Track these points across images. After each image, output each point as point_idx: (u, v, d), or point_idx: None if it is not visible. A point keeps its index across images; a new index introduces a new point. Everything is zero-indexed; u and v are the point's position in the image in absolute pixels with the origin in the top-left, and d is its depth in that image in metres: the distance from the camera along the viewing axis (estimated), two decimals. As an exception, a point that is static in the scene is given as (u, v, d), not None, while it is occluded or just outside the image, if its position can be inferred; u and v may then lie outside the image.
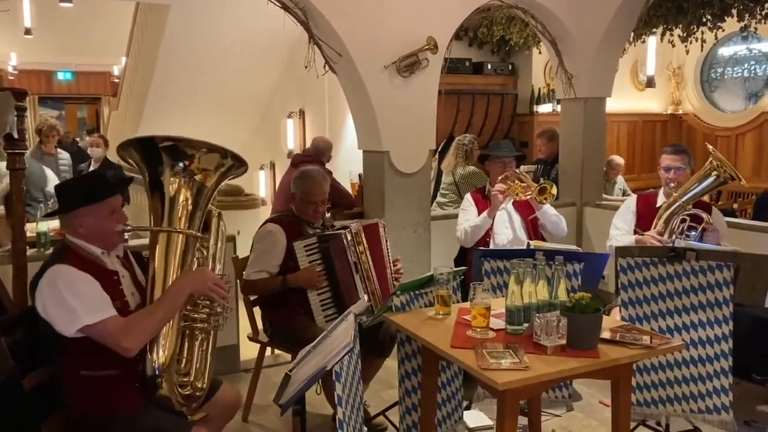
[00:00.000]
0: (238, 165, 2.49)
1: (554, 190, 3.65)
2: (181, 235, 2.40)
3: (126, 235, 2.37)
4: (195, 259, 2.45)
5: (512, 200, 3.80)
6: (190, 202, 2.42)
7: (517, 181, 3.73)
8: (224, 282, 2.38)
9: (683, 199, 3.41)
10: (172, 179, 2.40)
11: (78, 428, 2.22)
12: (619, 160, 6.27)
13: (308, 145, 6.19)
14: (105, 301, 2.14)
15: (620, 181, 6.29)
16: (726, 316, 2.90)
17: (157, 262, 2.37)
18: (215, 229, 2.55)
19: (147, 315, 2.21)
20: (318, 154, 5.20)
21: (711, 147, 3.49)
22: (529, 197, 3.69)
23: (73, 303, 2.07)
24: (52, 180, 5.23)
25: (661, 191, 3.65)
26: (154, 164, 2.40)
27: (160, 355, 2.25)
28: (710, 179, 3.36)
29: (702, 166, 3.41)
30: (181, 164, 2.39)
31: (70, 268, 2.14)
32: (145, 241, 2.86)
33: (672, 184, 3.52)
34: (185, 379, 2.33)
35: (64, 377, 2.20)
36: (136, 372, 2.23)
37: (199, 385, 2.36)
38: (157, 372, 2.23)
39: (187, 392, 2.32)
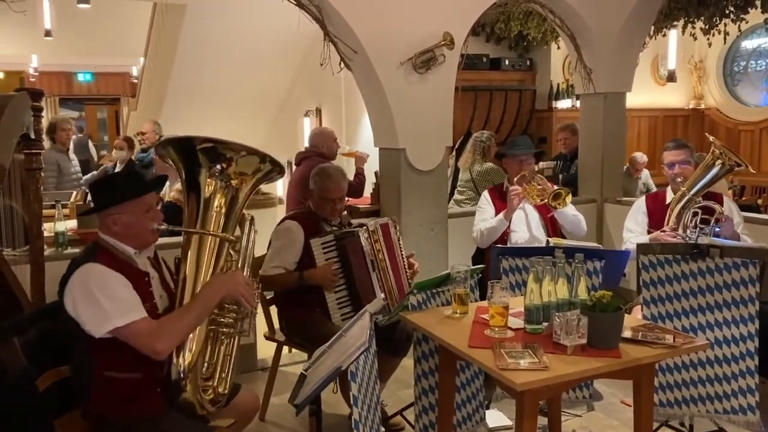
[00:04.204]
0: (276, 170, 2.46)
1: (569, 198, 3.60)
2: (214, 238, 2.38)
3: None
4: (227, 262, 2.42)
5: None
6: (225, 205, 2.39)
7: (534, 183, 3.69)
8: (254, 287, 2.36)
9: (692, 192, 3.40)
10: (208, 180, 2.38)
11: (96, 428, 2.21)
12: (640, 157, 6.18)
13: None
14: (136, 303, 2.11)
15: (644, 176, 6.19)
16: (752, 314, 2.83)
17: (189, 264, 2.35)
18: (247, 233, 2.52)
19: (179, 317, 2.18)
20: (313, 146, 4.92)
21: (711, 137, 3.50)
22: (543, 202, 3.65)
23: (104, 303, 2.04)
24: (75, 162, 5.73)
25: (669, 188, 3.63)
26: (191, 165, 2.38)
27: (186, 359, 2.24)
28: (716, 169, 3.36)
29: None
30: (218, 166, 2.37)
31: (102, 267, 2.11)
32: (175, 240, 2.82)
33: (678, 179, 3.51)
34: (208, 383, 2.32)
35: (86, 376, 2.18)
36: (160, 376, 2.22)
37: (221, 390, 2.35)
38: (182, 375, 2.22)
39: (210, 396, 2.31)
